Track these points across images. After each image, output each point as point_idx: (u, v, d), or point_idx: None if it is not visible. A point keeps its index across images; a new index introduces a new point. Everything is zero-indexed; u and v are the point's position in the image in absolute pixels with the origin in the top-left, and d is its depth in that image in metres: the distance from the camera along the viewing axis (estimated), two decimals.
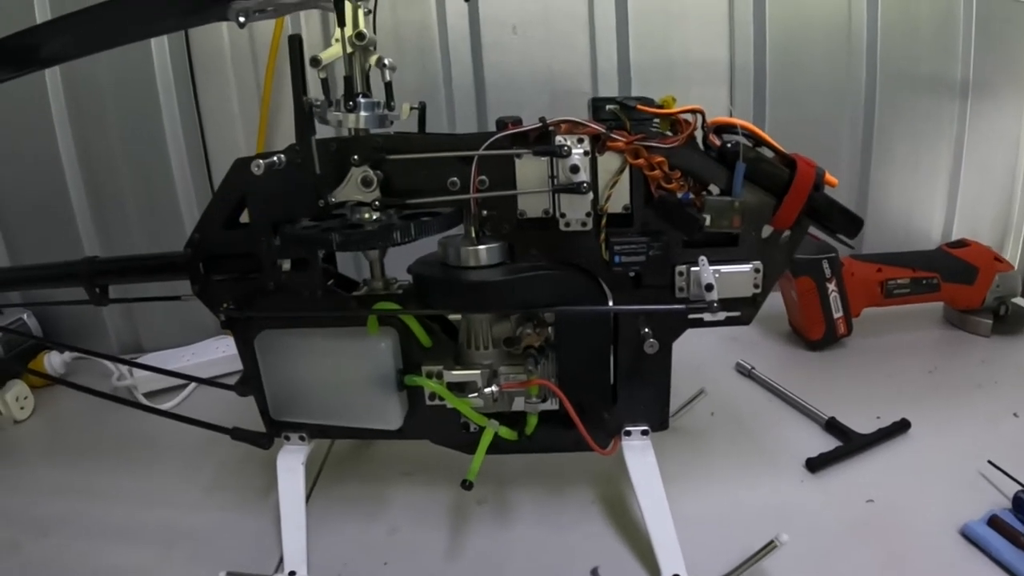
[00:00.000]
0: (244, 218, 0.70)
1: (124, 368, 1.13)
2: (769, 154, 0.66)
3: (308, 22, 1.17)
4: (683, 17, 1.21)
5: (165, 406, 1.04)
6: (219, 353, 1.19)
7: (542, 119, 0.63)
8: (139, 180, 1.22)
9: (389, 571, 0.71)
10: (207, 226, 0.70)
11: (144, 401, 1.05)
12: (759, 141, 0.66)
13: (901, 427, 0.88)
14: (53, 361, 1.16)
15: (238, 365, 1.11)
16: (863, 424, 0.88)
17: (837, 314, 1.11)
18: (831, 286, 1.10)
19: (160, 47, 1.16)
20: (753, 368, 1.06)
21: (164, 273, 0.77)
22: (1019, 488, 0.73)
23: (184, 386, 1.12)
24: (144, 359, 1.17)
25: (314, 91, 0.65)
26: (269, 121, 1.20)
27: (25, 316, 1.21)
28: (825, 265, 1.09)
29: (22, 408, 1.07)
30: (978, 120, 1.33)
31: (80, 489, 0.87)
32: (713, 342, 1.09)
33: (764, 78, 1.26)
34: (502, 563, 0.71)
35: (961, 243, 1.18)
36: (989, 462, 0.79)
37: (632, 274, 0.67)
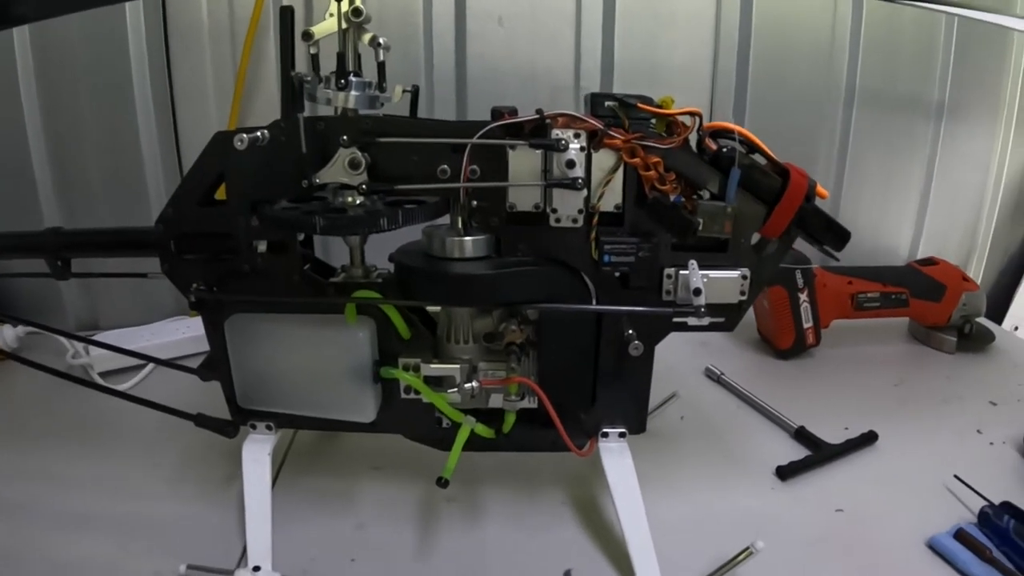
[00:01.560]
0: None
1: (80, 346, 1.09)
2: (762, 162, 0.66)
3: None
4: (670, 20, 1.21)
5: (121, 387, 1.00)
6: (180, 334, 1.16)
7: (539, 111, 0.61)
8: (105, 152, 1.18)
9: (357, 568, 0.69)
10: (181, 202, 0.67)
11: (100, 381, 1.01)
12: (753, 148, 0.65)
13: (869, 439, 0.89)
14: (5, 335, 1.11)
15: (200, 347, 1.11)
16: (831, 434, 0.89)
17: (807, 324, 1.12)
18: (803, 296, 1.11)
19: (135, 16, 1.12)
20: (723, 374, 1.06)
21: (133, 249, 0.73)
22: (984, 503, 0.74)
23: (142, 367, 1.08)
24: (101, 337, 1.12)
25: (301, 68, 0.62)
26: (243, 98, 1.17)
27: None
28: (798, 275, 1.10)
29: None
30: (951, 142, 1.36)
31: (33, 474, 0.83)
32: (682, 347, 1.09)
33: (746, 86, 1.26)
34: (473, 564, 0.69)
35: (930, 261, 1.21)
36: (955, 476, 0.80)
37: (618, 275, 0.66)
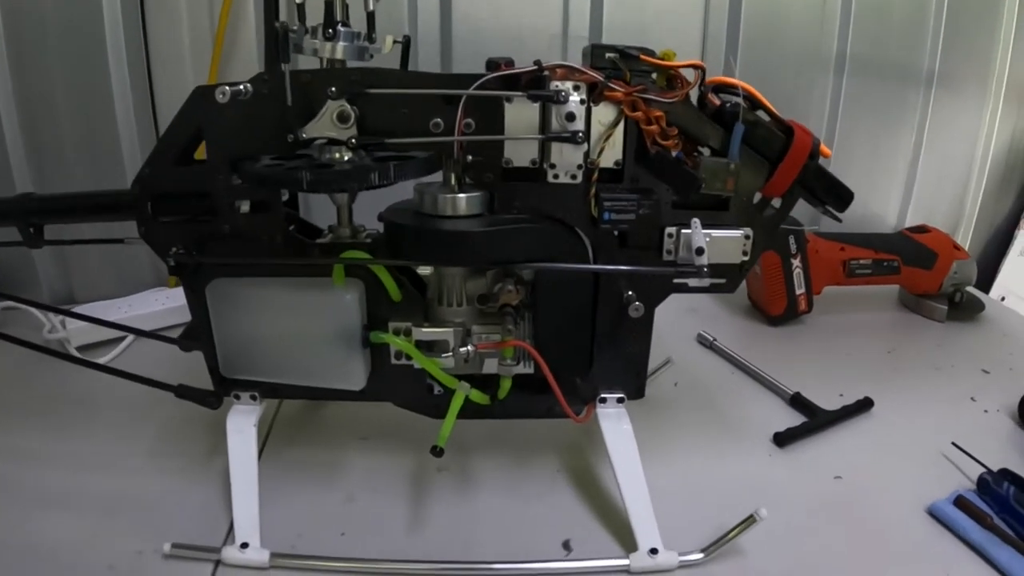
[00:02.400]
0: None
1: (56, 320, 1.06)
2: (766, 119, 0.64)
3: None
4: None
5: (100, 361, 0.96)
6: (158, 305, 1.13)
7: (537, 62, 0.59)
8: (79, 116, 1.13)
9: (347, 542, 0.67)
10: (157, 161, 0.63)
11: (77, 355, 0.97)
12: (757, 104, 0.64)
13: (865, 405, 0.89)
14: None
15: (180, 318, 1.08)
16: (826, 400, 0.89)
17: (799, 290, 1.11)
18: (795, 262, 1.10)
19: None
20: (715, 340, 1.05)
21: (108, 212, 0.70)
22: (983, 470, 0.73)
23: (120, 339, 1.05)
24: (78, 310, 1.09)
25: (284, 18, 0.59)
26: (221, 61, 1.13)
27: None
28: (791, 240, 1.09)
29: None
30: (940, 111, 1.36)
31: (9, 451, 0.80)
32: (671, 313, 1.08)
33: (736, 49, 1.24)
34: (467, 535, 0.67)
35: (921, 228, 1.20)
36: (953, 443, 0.80)
37: (618, 233, 0.64)
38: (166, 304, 1.13)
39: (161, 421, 0.84)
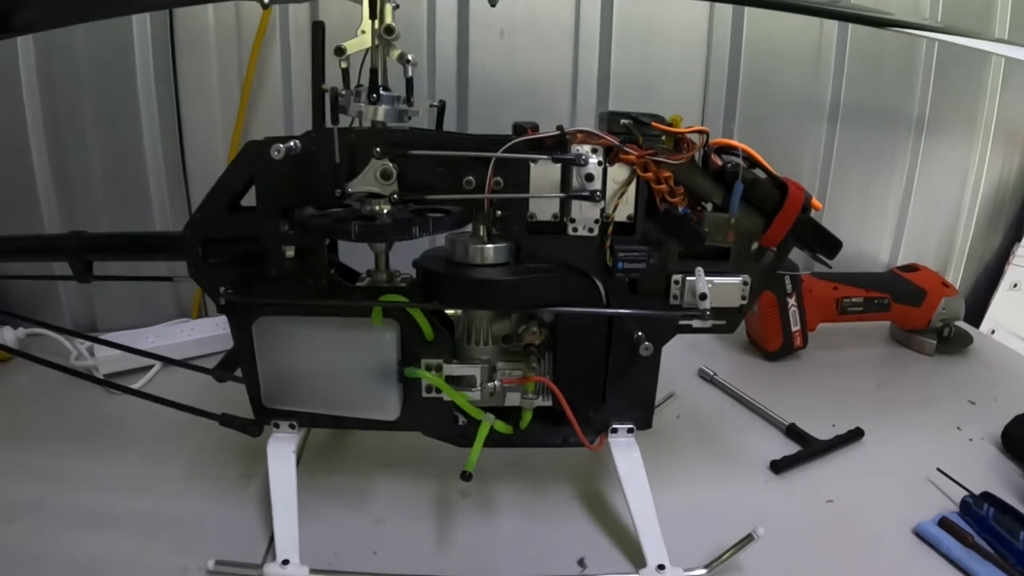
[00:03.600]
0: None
1: (83, 348, 1.09)
2: (762, 176, 0.70)
3: (296, 11, 1.17)
4: (664, 35, 1.25)
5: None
6: (184, 336, 1.16)
7: (559, 127, 0.65)
8: (108, 156, 1.18)
9: (380, 560, 0.71)
10: (210, 207, 0.69)
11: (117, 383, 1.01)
12: (754, 163, 0.70)
13: (856, 435, 0.94)
14: (6, 337, 1.11)
15: (204, 349, 1.12)
16: (819, 431, 0.93)
17: (795, 327, 1.16)
18: (791, 301, 1.15)
19: (142, 21, 1.13)
20: (715, 374, 1.10)
21: (160, 253, 0.76)
22: (966, 494, 0.79)
23: (146, 370, 1.08)
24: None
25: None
26: (248, 104, 1.19)
27: None
28: (787, 281, 1.14)
29: None
30: (930, 154, 1.41)
31: (46, 473, 0.83)
32: (675, 350, 1.12)
33: (735, 100, 1.30)
34: (491, 553, 0.73)
35: (912, 267, 1.26)
36: (938, 469, 0.85)
37: (629, 280, 0.70)
38: (191, 336, 1.16)
39: (193, 447, 0.88)
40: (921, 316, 1.21)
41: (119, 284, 1.22)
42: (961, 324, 1.26)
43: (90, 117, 1.16)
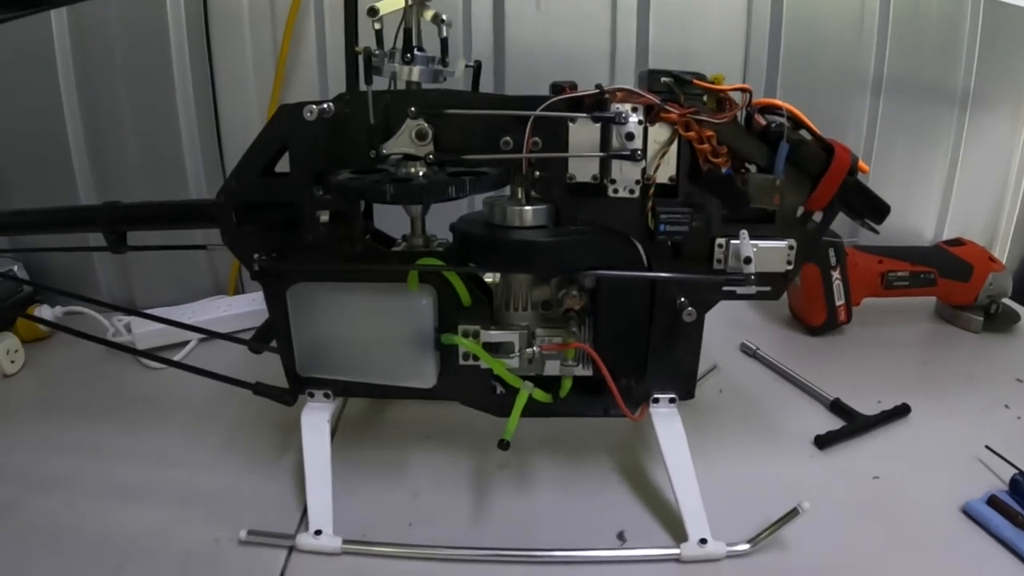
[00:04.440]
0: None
1: (121, 325, 1.10)
2: (808, 137, 0.68)
3: None
4: (703, 5, 1.23)
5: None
6: (221, 312, 1.17)
7: (599, 85, 0.64)
8: (143, 135, 1.19)
9: (415, 532, 0.71)
10: (243, 173, 0.68)
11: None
12: (799, 124, 0.68)
13: (902, 411, 0.91)
14: (44, 315, 1.12)
15: (241, 325, 1.13)
16: (865, 406, 0.91)
17: (839, 302, 1.14)
18: (835, 274, 1.12)
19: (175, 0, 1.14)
20: (758, 349, 1.08)
21: (193, 221, 0.75)
22: (1016, 471, 0.76)
23: (183, 345, 1.10)
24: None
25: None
26: (284, 79, 1.19)
27: (16, 268, 1.18)
28: (831, 253, 1.12)
29: (12, 362, 1.03)
30: (975, 128, 1.37)
31: (82, 447, 0.84)
32: (717, 324, 1.11)
33: (776, 72, 1.27)
34: (528, 526, 0.71)
35: (958, 241, 1.22)
36: (987, 447, 0.82)
37: (671, 244, 0.68)
38: (228, 311, 1.17)
39: (228, 421, 0.88)
40: (968, 291, 1.17)
41: (156, 262, 1.25)
42: (1008, 302, 1.23)
43: (124, 96, 1.18)
